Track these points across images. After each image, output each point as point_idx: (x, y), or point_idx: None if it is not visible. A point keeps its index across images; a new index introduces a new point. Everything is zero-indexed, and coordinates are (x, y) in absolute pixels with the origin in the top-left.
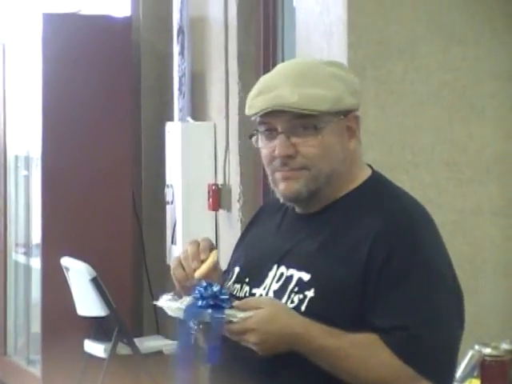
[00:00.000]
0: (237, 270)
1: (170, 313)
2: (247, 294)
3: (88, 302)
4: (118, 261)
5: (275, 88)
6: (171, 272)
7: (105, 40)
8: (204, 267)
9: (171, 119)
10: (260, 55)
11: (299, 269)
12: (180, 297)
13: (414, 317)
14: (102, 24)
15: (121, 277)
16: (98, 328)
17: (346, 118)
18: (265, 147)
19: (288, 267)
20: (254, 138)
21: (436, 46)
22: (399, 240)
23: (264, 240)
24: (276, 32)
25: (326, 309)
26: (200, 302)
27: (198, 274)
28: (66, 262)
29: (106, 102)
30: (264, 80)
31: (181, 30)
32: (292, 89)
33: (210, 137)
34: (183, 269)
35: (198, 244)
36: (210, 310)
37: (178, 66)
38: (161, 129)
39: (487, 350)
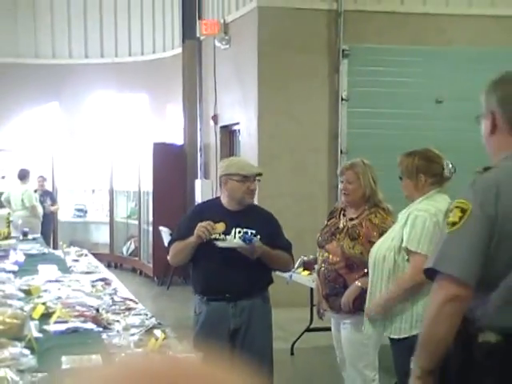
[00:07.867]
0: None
1: (230, 245)
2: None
3: None
4: None
5: None
6: (200, 232)
7: None
8: (220, 227)
9: None
10: None
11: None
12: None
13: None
14: None
15: None
16: None
17: None
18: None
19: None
20: None
21: None
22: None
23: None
24: None
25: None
26: (248, 235)
27: (218, 229)
28: None
29: None
30: None
31: None
32: None
33: None
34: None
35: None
36: (254, 238)
37: None
38: None
39: None
